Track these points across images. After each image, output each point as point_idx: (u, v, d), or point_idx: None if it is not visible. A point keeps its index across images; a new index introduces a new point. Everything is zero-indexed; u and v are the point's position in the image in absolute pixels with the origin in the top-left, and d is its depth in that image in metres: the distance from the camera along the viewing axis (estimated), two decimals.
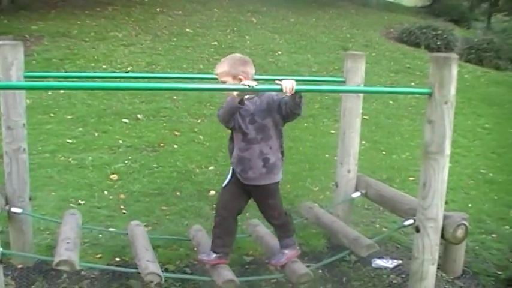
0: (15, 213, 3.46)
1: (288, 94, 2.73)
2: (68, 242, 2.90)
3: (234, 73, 2.90)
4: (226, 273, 2.94)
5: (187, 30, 11.21)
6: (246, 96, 2.94)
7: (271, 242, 3.33)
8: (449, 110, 2.97)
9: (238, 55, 3.03)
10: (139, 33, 10.82)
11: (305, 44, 11.74)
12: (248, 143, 2.99)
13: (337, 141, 4.20)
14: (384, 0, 20.27)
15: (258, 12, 13.30)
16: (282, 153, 3.10)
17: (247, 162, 3.00)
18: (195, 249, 3.54)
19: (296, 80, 2.75)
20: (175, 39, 10.57)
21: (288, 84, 2.70)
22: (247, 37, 11.27)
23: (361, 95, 4.13)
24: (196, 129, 6.85)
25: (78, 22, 11.56)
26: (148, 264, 2.87)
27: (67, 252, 2.76)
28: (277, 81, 2.75)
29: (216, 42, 10.63)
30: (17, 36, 10.66)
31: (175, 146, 6.28)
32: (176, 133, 6.68)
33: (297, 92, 2.74)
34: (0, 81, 3.11)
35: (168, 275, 3.22)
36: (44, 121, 6.72)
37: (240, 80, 2.90)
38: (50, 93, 7.54)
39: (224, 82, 2.96)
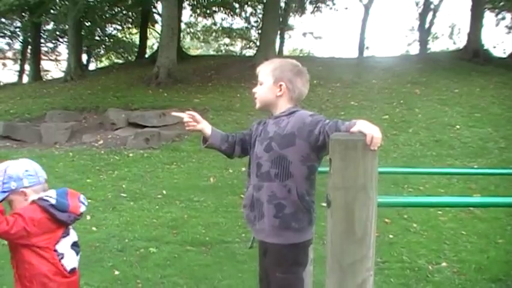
0: None
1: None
2: None
3: (278, 75, 2.20)
4: None
5: (351, 103, 10.57)
6: (272, 115, 2.23)
7: None
8: None
9: (295, 62, 2.30)
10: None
11: (480, 116, 10.56)
12: (261, 178, 2.07)
13: None
14: None
15: (417, 83, 12.42)
16: (310, 204, 2.07)
17: (259, 206, 2.08)
18: None
19: None
20: (342, 113, 9.94)
21: (376, 134, 1.52)
22: (416, 110, 10.36)
23: None
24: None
25: (238, 95, 11.45)
26: None
27: None
28: (351, 128, 1.64)
29: (387, 116, 9.82)
30: (181, 110, 10.67)
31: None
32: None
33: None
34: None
35: None
36: None
37: (280, 88, 2.18)
38: None
39: (261, 84, 2.19)
